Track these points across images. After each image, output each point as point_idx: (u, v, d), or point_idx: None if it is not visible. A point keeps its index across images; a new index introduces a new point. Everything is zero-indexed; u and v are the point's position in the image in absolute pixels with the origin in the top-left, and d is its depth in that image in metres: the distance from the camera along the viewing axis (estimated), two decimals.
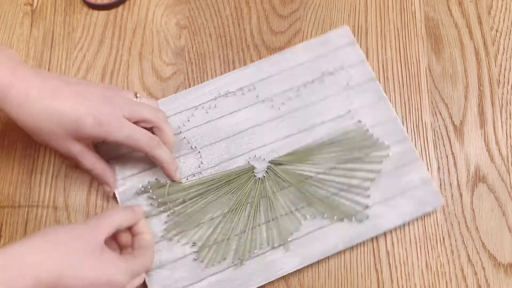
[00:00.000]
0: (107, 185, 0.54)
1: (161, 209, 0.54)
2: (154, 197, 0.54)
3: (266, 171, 0.55)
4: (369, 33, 0.63)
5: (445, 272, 0.53)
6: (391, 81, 0.60)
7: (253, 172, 0.55)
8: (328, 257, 0.53)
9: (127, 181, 0.55)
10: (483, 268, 0.53)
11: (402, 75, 0.61)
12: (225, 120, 0.58)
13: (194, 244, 0.53)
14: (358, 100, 0.58)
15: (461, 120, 0.59)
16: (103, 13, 0.64)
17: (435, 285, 0.53)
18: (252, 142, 0.57)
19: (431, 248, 0.54)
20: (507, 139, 0.58)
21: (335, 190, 0.54)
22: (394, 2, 0.64)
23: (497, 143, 0.58)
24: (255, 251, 0.52)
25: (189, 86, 0.60)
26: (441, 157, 0.57)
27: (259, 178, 0.55)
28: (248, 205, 0.54)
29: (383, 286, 0.53)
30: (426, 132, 0.58)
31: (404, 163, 0.55)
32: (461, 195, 0.56)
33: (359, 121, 0.57)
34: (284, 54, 0.60)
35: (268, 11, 0.64)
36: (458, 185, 0.56)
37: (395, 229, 0.54)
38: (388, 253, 0.54)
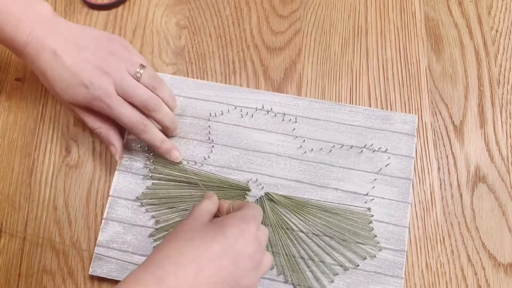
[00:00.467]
0: (113, 146, 0.54)
1: (150, 174, 0.55)
2: (151, 160, 0.56)
3: (257, 199, 0.55)
4: (369, 33, 0.63)
5: (445, 272, 0.53)
6: (391, 81, 0.60)
7: (246, 193, 0.55)
8: None
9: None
10: (483, 268, 0.53)
11: (402, 75, 0.61)
12: (253, 132, 0.57)
13: (157, 221, 0.54)
14: (381, 190, 0.55)
15: (461, 120, 0.59)
16: (103, 13, 0.64)
17: (435, 285, 0.53)
18: (263, 166, 0.56)
19: (431, 248, 0.54)
20: (507, 139, 0.58)
21: (305, 256, 0.52)
22: (394, 2, 0.64)
23: (497, 143, 0.58)
24: None
25: None
26: (441, 157, 0.57)
27: (247, 201, 0.54)
28: None
29: None
30: (426, 132, 0.58)
31: (385, 273, 0.52)
32: (461, 195, 0.56)
33: (369, 209, 0.54)
34: (343, 106, 0.58)
35: (268, 11, 0.64)
36: (458, 185, 0.56)
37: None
38: None
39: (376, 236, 0.53)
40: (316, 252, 0.53)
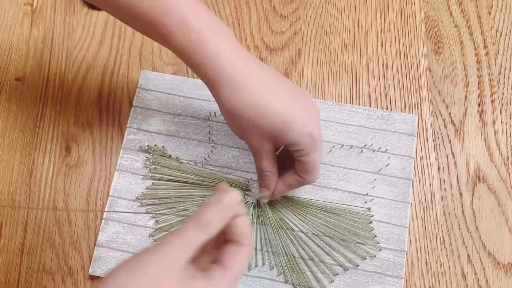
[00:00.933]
0: (267, 190, 0.50)
1: (150, 174, 0.55)
2: (151, 161, 0.56)
3: (257, 199, 0.54)
4: (369, 33, 0.63)
5: (445, 272, 0.53)
6: (391, 81, 0.60)
7: (246, 193, 0.55)
8: None
9: (139, 133, 0.57)
10: (483, 268, 0.53)
11: (402, 75, 0.61)
12: None
13: (157, 221, 0.54)
14: (381, 190, 0.55)
15: (461, 120, 0.59)
16: (103, 13, 0.64)
17: (435, 285, 0.53)
18: None
19: (431, 248, 0.54)
20: (507, 139, 0.58)
21: (305, 256, 0.52)
22: (394, 2, 0.64)
23: (497, 143, 0.58)
24: None
25: None
26: (441, 157, 0.57)
27: (247, 202, 0.54)
28: None
29: None
30: (426, 132, 0.58)
31: (385, 273, 0.52)
32: (461, 195, 0.56)
33: (369, 209, 0.54)
34: (343, 106, 0.58)
35: (268, 11, 0.64)
36: (458, 185, 0.56)
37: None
38: None
39: (376, 236, 0.53)
40: (316, 252, 0.53)
